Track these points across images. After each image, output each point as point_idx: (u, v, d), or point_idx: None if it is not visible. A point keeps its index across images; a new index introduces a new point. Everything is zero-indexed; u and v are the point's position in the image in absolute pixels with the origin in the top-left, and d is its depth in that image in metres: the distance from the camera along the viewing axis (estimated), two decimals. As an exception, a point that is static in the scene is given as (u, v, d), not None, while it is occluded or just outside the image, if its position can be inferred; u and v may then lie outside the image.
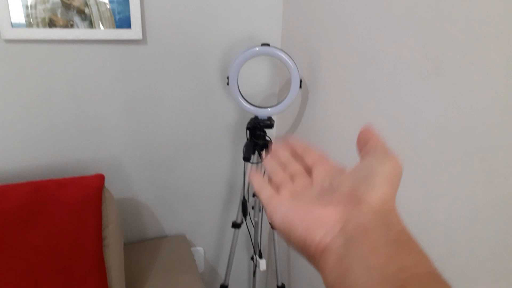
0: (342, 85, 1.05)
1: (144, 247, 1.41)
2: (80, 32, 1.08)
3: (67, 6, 1.06)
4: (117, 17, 1.10)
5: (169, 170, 1.40)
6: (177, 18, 1.20)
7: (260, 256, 1.43)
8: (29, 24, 1.05)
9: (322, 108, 1.16)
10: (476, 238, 0.70)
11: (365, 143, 0.32)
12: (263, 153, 1.25)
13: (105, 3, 1.08)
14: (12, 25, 1.04)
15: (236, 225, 1.37)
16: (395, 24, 0.83)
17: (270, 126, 1.20)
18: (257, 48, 1.09)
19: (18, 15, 1.04)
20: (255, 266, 1.53)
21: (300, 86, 1.13)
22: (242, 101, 1.17)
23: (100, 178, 1.13)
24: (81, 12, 1.07)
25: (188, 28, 1.22)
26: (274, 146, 0.38)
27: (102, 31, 1.10)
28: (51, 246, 1.06)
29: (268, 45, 1.09)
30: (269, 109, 1.18)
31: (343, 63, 1.03)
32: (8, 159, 1.18)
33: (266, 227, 1.66)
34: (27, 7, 1.04)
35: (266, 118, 1.21)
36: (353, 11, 0.97)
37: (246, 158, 1.15)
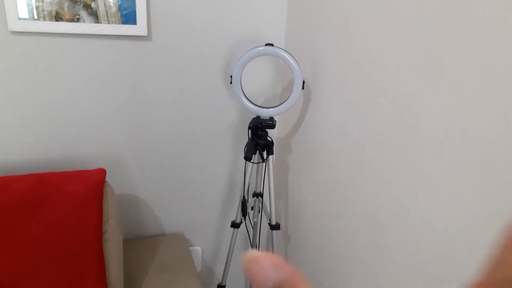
0: (345, 87, 1.06)
1: (142, 244, 1.41)
2: (86, 26, 1.09)
3: (74, 0, 1.07)
4: (123, 12, 1.11)
5: (170, 168, 1.40)
6: (183, 16, 1.21)
7: (258, 257, 1.42)
8: (35, 17, 1.06)
9: (324, 110, 1.17)
10: (476, 241, 0.70)
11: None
12: (264, 153, 1.25)
13: (111, -1, 1.09)
14: (19, 18, 1.05)
15: (235, 225, 1.37)
16: (399, 26, 0.84)
17: (272, 126, 1.20)
18: (260, 48, 1.10)
19: (25, 8, 1.05)
20: (253, 267, 1.52)
21: (303, 87, 1.14)
22: (244, 101, 1.18)
23: (102, 172, 1.13)
24: (87, 7, 1.08)
25: (193, 26, 1.23)
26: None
27: (107, 26, 1.11)
28: (52, 238, 1.06)
29: (272, 45, 1.10)
30: (271, 109, 1.18)
31: (347, 64, 1.04)
32: (11, 152, 1.18)
33: (265, 227, 1.65)
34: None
35: (268, 118, 1.21)
36: (357, 12, 0.97)
37: (247, 158, 1.15)
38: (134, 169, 1.35)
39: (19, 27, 1.05)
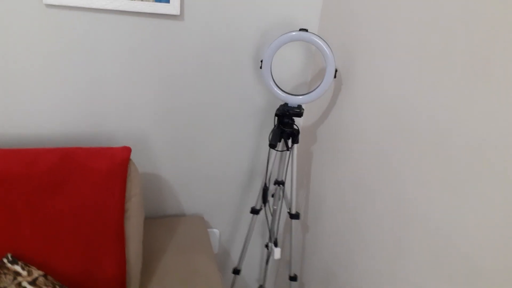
0: (379, 79, 1.01)
1: (162, 223, 1.43)
2: (120, 2, 1.08)
3: (108, -25, 1.05)
4: (157, -10, 1.09)
5: (193, 149, 1.40)
6: (216, -3, 1.18)
7: (276, 245, 1.42)
8: (70, -9, 1.05)
9: (355, 101, 1.13)
10: (505, 243, 0.66)
11: None
12: (289, 141, 1.23)
13: (146, -25, 1.07)
14: (54, -9, 1.05)
15: (254, 211, 1.36)
16: (446, 17, 0.79)
17: (300, 114, 1.17)
18: (294, 33, 1.07)
19: (60, -19, 1.04)
20: (269, 254, 1.53)
21: (335, 76, 1.10)
22: (273, 87, 1.15)
23: (127, 150, 1.14)
24: (121, -17, 1.07)
25: (226, 8, 1.20)
26: None
27: (141, 4, 1.09)
28: (75, 213, 1.08)
29: (306, 30, 1.06)
30: (300, 97, 1.15)
31: (383, 56, 0.99)
32: (39, 124, 1.20)
33: (284, 216, 1.65)
34: (69, -27, 1.04)
35: (296, 106, 1.18)
36: (398, 1, 0.92)
37: (272, 145, 1.13)
38: (158, 149, 1.36)
39: (54, 0, 1.05)
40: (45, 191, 1.07)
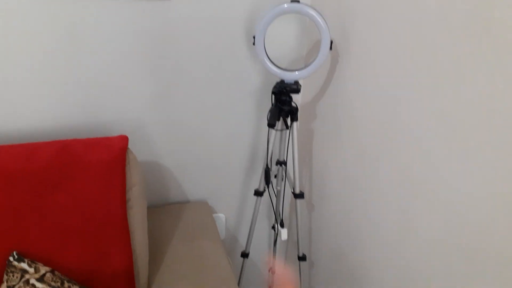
0: (378, 49, 0.98)
1: (166, 211, 1.42)
2: (102, -13, 1.04)
3: (88, -41, 1.01)
4: (140, -29, 1.05)
5: (192, 135, 1.38)
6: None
7: (282, 225, 1.41)
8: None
9: (354, 74, 1.09)
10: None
11: None
12: (288, 119, 1.20)
13: (127, -44, 1.03)
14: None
15: (258, 193, 1.35)
16: (443, -26, 0.75)
17: (297, 91, 1.14)
18: (285, 5, 1.02)
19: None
20: (276, 235, 1.52)
21: (331, 48, 1.06)
22: (268, 63, 1.12)
23: (124, 139, 1.12)
24: (102, -34, 1.02)
25: (213, -15, 1.16)
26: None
27: (124, -14, 1.05)
28: (78, 207, 1.07)
29: (298, 1, 1.02)
30: (296, 72, 1.12)
31: (381, 24, 0.95)
32: (34, 117, 1.18)
33: (288, 196, 1.63)
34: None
35: (292, 82, 1.15)
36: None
37: (271, 125, 1.10)
38: (156, 136, 1.33)
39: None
40: (46, 187, 1.05)
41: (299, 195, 1.31)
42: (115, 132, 1.27)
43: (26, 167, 1.03)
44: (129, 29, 1.14)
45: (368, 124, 1.05)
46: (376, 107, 1.00)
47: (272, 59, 1.13)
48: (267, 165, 1.26)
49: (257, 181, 1.56)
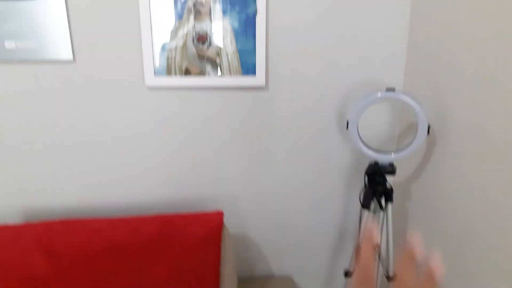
0: (481, 132, 0.94)
1: (251, 284, 1.42)
2: (211, 79, 1.18)
3: (201, 57, 1.17)
4: (244, 65, 1.18)
5: (281, 210, 1.41)
6: (298, 65, 1.23)
7: (373, 311, 1.31)
8: (168, 73, 1.18)
9: (454, 157, 1.05)
10: None
11: None
12: (383, 200, 1.17)
13: (234, 53, 1.16)
14: (155, 74, 1.18)
15: (348, 274, 1.29)
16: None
17: (392, 172, 1.13)
18: (380, 94, 1.05)
19: (159, 66, 1.18)
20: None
21: (428, 133, 1.05)
22: (362, 147, 1.13)
23: (220, 216, 1.18)
24: (213, 62, 1.17)
25: (308, 75, 1.24)
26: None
27: (230, 78, 1.18)
28: (173, 280, 1.13)
29: (393, 90, 1.04)
30: (392, 154, 1.11)
31: (481, 105, 0.92)
32: (140, 193, 1.31)
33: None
34: (167, 58, 1.17)
35: (387, 164, 1.14)
36: (485, 47, 0.87)
37: (365, 206, 1.09)
38: (246, 209, 1.39)
39: (155, 82, 1.19)
40: (146, 258, 1.13)
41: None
42: (210, 206, 1.35)
43: (131, 239, 1.13)
44: (230, 114, 1.26)
45: (468, 210, 0.98)
46: (476, 194, 0.94)
47: (364, 140, 1.14)
48: (359, 245, 1.22)
49: (344, 261, 1.50)
